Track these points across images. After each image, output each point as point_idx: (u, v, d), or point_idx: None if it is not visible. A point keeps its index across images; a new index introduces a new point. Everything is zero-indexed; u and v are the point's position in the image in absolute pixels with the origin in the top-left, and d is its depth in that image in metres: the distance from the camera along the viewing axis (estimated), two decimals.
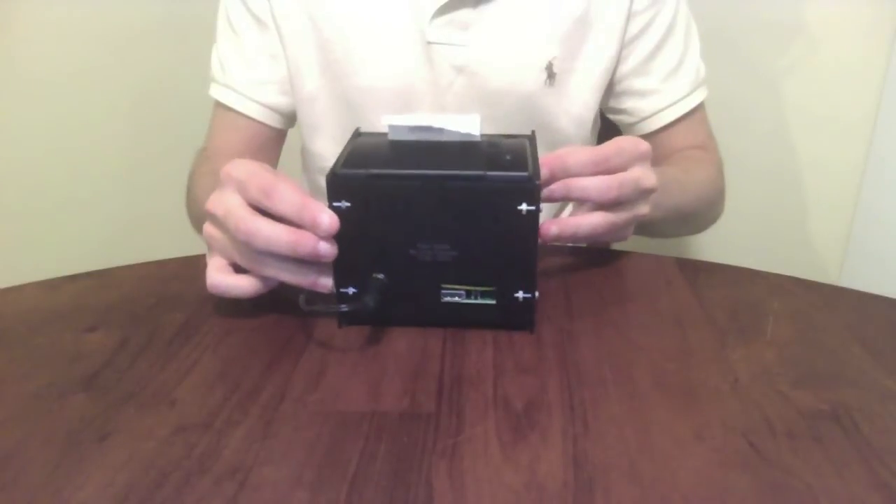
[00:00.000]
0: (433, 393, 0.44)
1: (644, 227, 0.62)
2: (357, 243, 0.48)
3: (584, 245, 0.61)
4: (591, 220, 0.54)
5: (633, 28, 0.75)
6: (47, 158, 1.32)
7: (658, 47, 0.76)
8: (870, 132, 1.23)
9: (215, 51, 0.79)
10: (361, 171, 0.47)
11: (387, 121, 0.50)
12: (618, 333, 0.51)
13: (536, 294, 0.49)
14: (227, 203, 0.48)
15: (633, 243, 0.63)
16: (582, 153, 0.53)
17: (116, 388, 0.45)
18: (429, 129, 0.49)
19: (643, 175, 0.54)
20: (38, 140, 1.30)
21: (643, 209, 0.57)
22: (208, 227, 0.52)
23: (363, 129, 0.55)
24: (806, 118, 1.25)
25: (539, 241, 0.48)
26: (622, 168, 0.54)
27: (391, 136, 0.50)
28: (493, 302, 0.50)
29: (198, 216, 0.73)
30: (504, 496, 0.36)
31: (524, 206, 0.46)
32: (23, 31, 1.24)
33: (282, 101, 0.78)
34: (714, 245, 1.23)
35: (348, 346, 0.49)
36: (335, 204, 0.47)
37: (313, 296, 0.49)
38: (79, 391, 0.45)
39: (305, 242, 0.45)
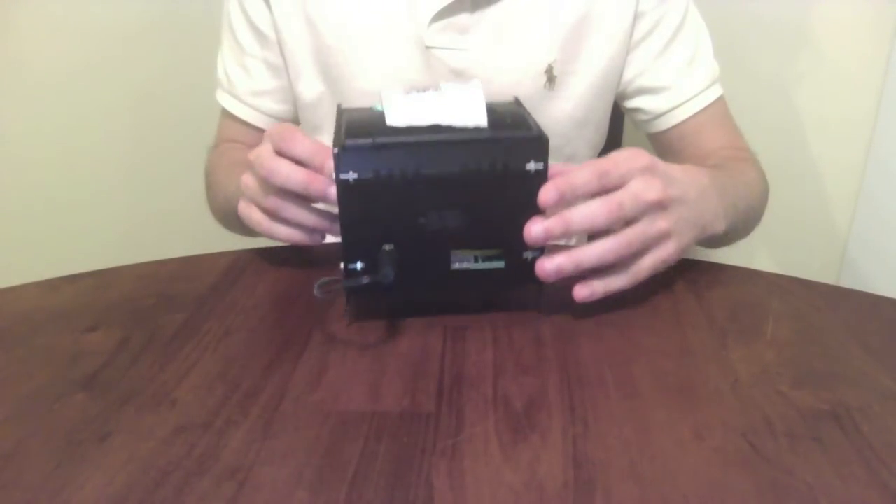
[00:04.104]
0: (433, 393, 0.44)
1: (712, 239, 0.59)
2: (365, 216, 0.47)
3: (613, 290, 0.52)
4: (597, 249, 0.49)
5: (642, 28, 0.74)
6: (47, 158, 1.32)
7: (668, 44, 0.75)
8: (870, 132, 1.23)
9: (220, 57, 0.80)
10: (367, 140, 0.46)
11: (390, 121, 0.48)
12: (618, 333, 0.51)
13: (545, 252, 0.49)
14: (259, 150, 0.54)
15: None
16: (584, 169, 0.49)
17: (116, 388, 0.45)
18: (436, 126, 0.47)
19: (644, 187, 0.49)
20: (39, 140, 1.30)
21: (660, 224, 0.51)
22: (245, 176, 0.57)
23: (344, 106, 0.54)
24: (806, 118, 1.25)
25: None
26: (621, 183, 0.49)
27: (390, 122, 0.48)
28: (502, 264, 0.50)
29: (221, 207, 0.74)
30: (504, 496, 0.36)
31: (532, 165, 0.46)
32: (23, 30, 1.24)
33: (282, 108, 0.80)
34: None
35: (348, 345, 0.49)
36: (342, 176, 0.46)
37: (327, 282, 0.48)
38: (79, 391, 0.45)
39: (317, 183, 0.50)
